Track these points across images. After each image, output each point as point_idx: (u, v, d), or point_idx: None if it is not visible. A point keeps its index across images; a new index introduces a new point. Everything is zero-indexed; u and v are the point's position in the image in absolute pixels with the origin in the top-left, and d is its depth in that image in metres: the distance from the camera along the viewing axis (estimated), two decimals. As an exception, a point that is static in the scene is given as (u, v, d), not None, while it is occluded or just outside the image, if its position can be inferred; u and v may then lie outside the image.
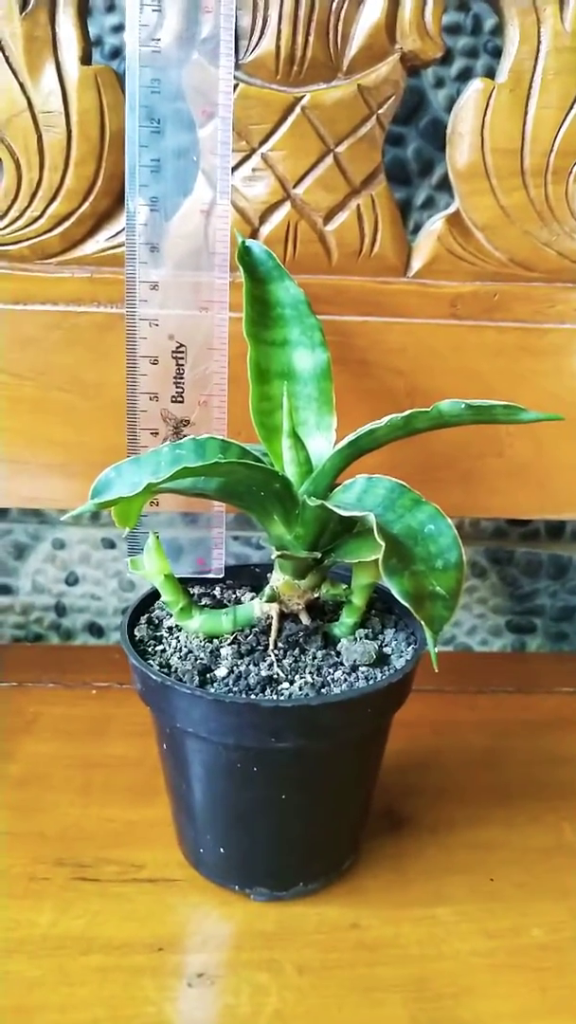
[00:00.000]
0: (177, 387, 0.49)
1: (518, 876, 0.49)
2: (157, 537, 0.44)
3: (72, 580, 0.78)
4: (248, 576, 0.52)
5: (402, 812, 0.54)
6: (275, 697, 0.41)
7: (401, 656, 0.45)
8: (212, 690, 0.42)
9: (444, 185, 0.68)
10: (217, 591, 0.51)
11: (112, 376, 0.56)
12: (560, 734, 0.62)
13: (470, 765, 0.58)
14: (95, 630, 0.80)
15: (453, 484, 0.61)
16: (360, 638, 0.45)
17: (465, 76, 0.67)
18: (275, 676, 0.42)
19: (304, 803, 0.43)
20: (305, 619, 0.45)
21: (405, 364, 0.58)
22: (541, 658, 0.78)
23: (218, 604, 0.49)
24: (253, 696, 0.41)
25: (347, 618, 0.46)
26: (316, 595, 0.45)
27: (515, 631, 0.81)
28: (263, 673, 0.42)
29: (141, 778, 0.55)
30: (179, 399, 0.49)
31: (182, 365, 0.49)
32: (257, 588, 0.52)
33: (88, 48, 0.54)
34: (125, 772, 0.56)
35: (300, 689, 0.41)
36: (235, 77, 0.53)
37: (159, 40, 0.47)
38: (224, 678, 0.42)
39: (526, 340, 0.58)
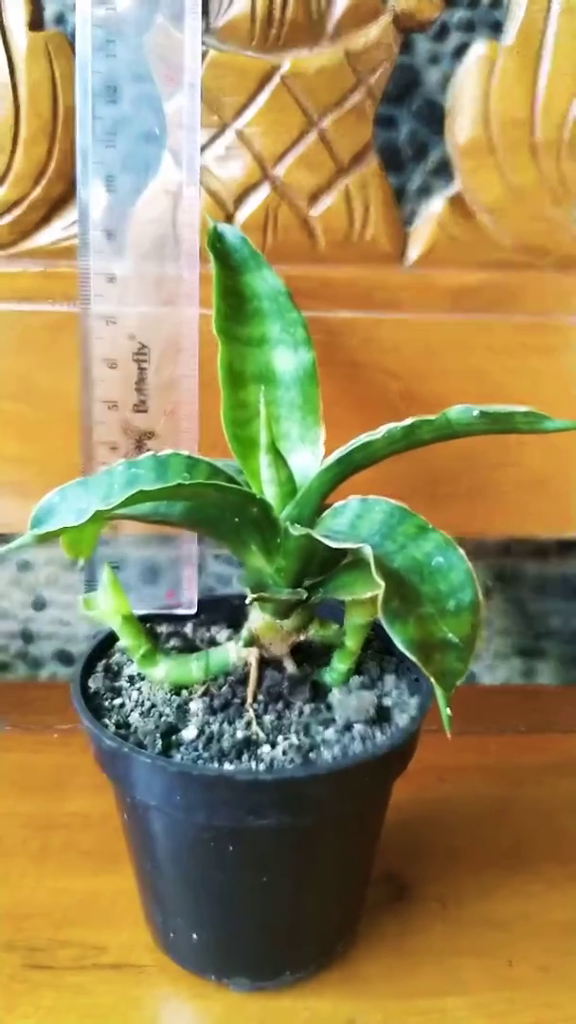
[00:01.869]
0: (139, 394, 0.42)
1: (540, 957, 0.43)
2: (114, 571, 0.37)
3: (39, 605, 0.72)
4: (225, 610, 0.46)
5: (405, 878, 0.47)
6: (253, 765, 0.34)
7: (404, 710, 0.38)
8: (178, 757, 0.35)
9: (440, 171, 0.62)
10: (189, 629, 0.45)
11: (70, 383, 0.49)
12: (580, 780, 0.55)
13: (481, 820, 0.52)
14: (65, 658, 0.74)
15: (459, 500, 0.54)
16: (355, 688, 0.38)
17: (461, 52, 0.61)
18: (254, 737, 0.36)
19: (290, 885, 0.37)
20: (290, 666, 0.38)
21: (401, 365, 0.52)
22: (553, 692, 0.72)
23: (189, 646, 0.43)
24: (227, 764, 0.34)
25: (339, 663, 0.39)
26: (302, 637, 0.39)
27: (523, 656, 0.75)
28: (239, 734, 0.35)
29: (106, 840, 0.48)
30: (142, 408, 0.42)
31: (145, 369, 0.42)
32: (236, 624, 0.45)
33: (38, 12, 0.47)
34: (88, 833, 0.49)
35: (284, 753, 0.35)
36: (205, 42, 0.47)
37: (115, -3, 0.40)
38: (193, 741, 0.35)
39: (538, 336, 0.51)
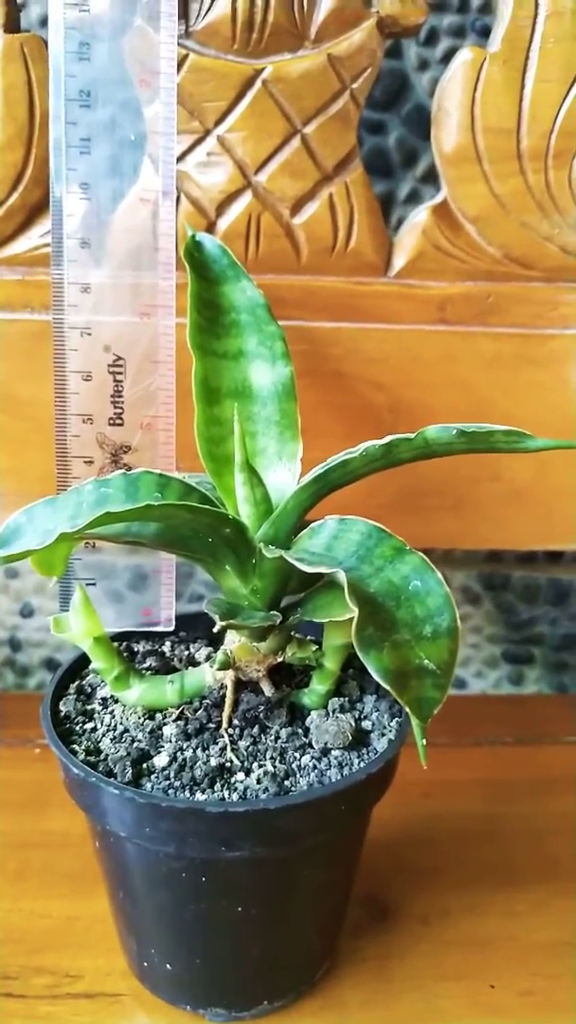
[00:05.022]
0: (115, 407, 0.41)
1: (523, 981, 0.42)
2: (85, 592, 0.36)
3: (27, 612, 0.71)
4: (204, 626, 0.45)
5: (387, 899, 0.46)
6: (226, 795, 0.33)
7: (383, 734, 0.37)
8: (148, 786, 0.34)
9: (430, 178, 0.61)
10: (167, 646, 0.44)
11: (48, 392, 0.47)
12: (569, 797, 0.54)
13: (467, 837, 0.51)
14: (53, 666, 0.73)
15: (444, 512, 0.53)
16: (333, 711, 0.37)
17: (451, 58, 0.60)
18: (228, 764, 0.35)
19: (266, 914, 0.36)
20: (267, 689, 0.37)
21: (387, 376, 0.51)
22: (541, 701, 0.71)
23: (166, 665, 0.42)
24: (200, 793, 0.33)
25: (318, 684, 0.38)
26: (280, 658, 0.38)
27: (512, 661, 0.74)
28: (213, 761, 0.34)
29: (85, 860, 0.47)
30: (118, 421, 0.41)
31: (120, 381, 0.41)
32: (216, 641, 0.44)
33: (13, 13, 0.46)
34: (67, 854, 0.48)
35: (258, 782, 0.34)
36: (185, 46, 0.46)
37: (89, -1, 0.39)
38: (164, 768, 0.34)
39: (525, 348, 0.50)
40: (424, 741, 0.29)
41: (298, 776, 0.34)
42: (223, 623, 0.32)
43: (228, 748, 0.35)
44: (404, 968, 0.42)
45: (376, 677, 0.29)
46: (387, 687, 0.29)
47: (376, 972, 0.42)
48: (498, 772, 0.57)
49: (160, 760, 0.35)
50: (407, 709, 0.29)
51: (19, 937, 0.43)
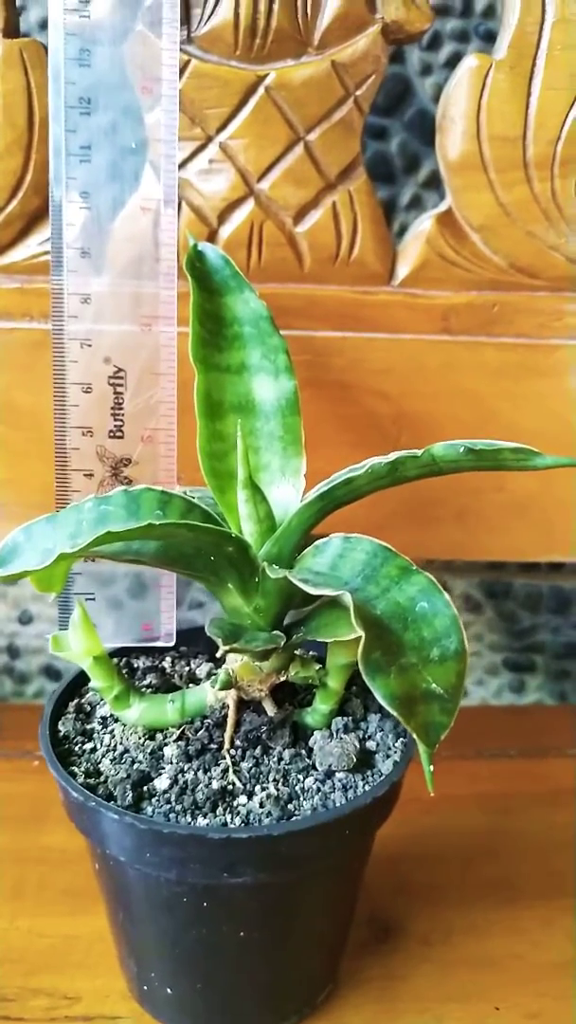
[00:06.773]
0: (115, 420, 0.41)
1: (529, 1002, 0.41)
2: (84, 609, 0.36)
3: (26, 619, 0.70)
4: (205, 641, 0.44)
5: (389, 919, 0.45)
6: (228, 819, 0.33)
7: (388, 755, 0.36)
8: (149, 810, 0.33)
9: (433, 183, 0.60)
10: (167, 662, 0.43)
11: (49, 402, 0.47)
12: (573, 810, 0.54)
13: (470, 854, 0.50)
14: (52, 673, 0.72)
15: (447, 522, 0.53)
16: (337, 731, 0.37)
17: (454, 63, 0.59)
18: (230, 787, 0.34)
19: (268, 940, 0.35)
20: (270, 709, 0.37)
21: (391, 387, 0.50)
22: (544, 712, 0.70)
23: (166, 682, 0.41)
24: (201, 817, 0.33)
25: (322, 704, 0.38)
26: (283, 677, 0.37)
27: (513, 670, 0.73)
28: (215, 784, 0.34)
29: (84, 877, 0.46)
30: (118, 434, 0.41)
31: (121, 393, 0.41)
32: (217, 656, 0.43)
33: (12, 18, 0.45)
34: (66, 870, 0.48)
35: (261, 805, 0.33)
36: (188, 52, 0.45)
37: (88, 3, 0.39)
38: (166, 791, 0.34)
39: (530, 358, 0.50)
40: (431, 768, 0.29)
41: (302, 799, 0.34)
42: (226, 647, 0.32)
43: (230, 770, 0.35)
44: (407, 989, 0.42)
45: (383, 703, 0.28)
46: (394, 713, 0.28)
47: (379, 994, 0.41)
48: (501, 785, 0.56)
49: (161, 783, 0.34)
50: (414, 735, 0.28)
51: (16, 957, 0.43)
